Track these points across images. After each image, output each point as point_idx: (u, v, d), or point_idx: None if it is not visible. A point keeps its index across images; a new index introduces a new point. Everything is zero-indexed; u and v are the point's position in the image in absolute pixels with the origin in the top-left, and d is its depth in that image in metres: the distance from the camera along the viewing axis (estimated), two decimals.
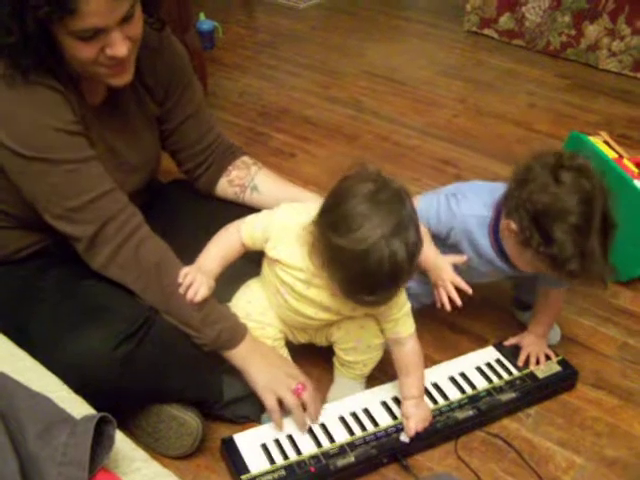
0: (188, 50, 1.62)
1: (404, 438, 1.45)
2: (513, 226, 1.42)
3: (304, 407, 1.45)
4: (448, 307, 1.55)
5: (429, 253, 1.54)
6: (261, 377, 1.43)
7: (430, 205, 1.57)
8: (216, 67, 3.10)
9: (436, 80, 3.13)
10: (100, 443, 0.92)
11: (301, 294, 1.38)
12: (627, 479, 1.48)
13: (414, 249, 1.23)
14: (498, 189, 1.51)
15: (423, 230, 1.51)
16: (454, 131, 2.69)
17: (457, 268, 1.57)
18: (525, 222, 1.39)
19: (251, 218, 1.42)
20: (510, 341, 1.71)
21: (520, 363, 1.66)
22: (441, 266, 1.55)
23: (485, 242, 1.54)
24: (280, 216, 1.39)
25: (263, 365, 1.44)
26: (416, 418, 1.45)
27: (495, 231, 1.52)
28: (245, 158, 1.67)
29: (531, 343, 1.68)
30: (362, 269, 1.21)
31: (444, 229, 1.57)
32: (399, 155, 2.55)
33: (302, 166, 2.44)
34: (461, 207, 1.54)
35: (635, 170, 2.01)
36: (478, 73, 3.22)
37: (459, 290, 1.54)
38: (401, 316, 1.43)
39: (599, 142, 2.09)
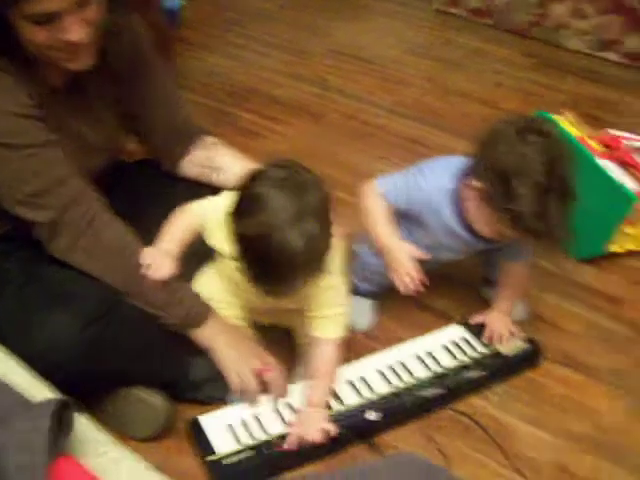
0: (152, 29, 1.59)
1: (371, 416, 1.45)
2: (477, 184, 1.43)
3: (268, 388, 1.45)
4: (407, 292, 1.55)
5: (383, 235, 1.55)
6: (226, 357, 1.43)
7: (398, 186, 1.57)
8: (183, 47, 3.05)
9: (404, 59, 3.12)
10: (61, 428, 0.91)
11: (243, 284, 1.34)
12: (591, 453, 1.50)
13: (314, 241, 1.19)
14: (462, 162, 1.51)
15: (378, 214, 1.56)
16: (422, 110, 2.68)
17: (425, 246, 1.57)
18: (490, 179, 1.40)
19: (198, 203, 1.41)
20: (475, 318, 1.72)
21: (485, 340, 1.67)
22: (396, 254, 1.54)
23: (449, 212, 1.54)
24: (217, 206, 1.34)
25: (230, 344, 1.44)
26: (301, 430, 1.40)
27: (458, 199, 1.52)
28: (210, 139, 1.65)
29: (495, 320, 1.69)
30: (259, 256, 1.19)
31: (416, 206, 1.56)
32: (366, 134, 2.54)
33: (270, 146, 2.42)
34: (428, 181, 1.54)
35: (599, 149, 2.02)
36: (446, 52, 3.21)
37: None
38: (325, 317, 1.41)
39: (564, 121, 2.10)
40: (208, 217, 1.37)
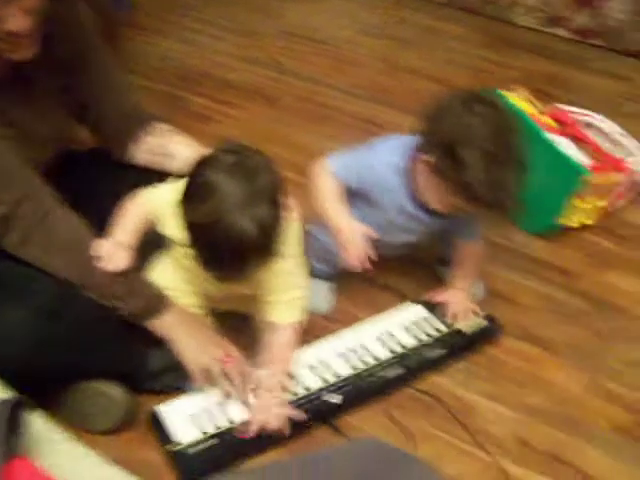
0: (99, 13, 1.56)
1: (333, 399, 1.46)
2: (426, 158, 1.44)
3: (229, 377, 1.45)
4: (358, 269, 1.54)
5: (333, 215, 1.55)
6: (187, 346, 1.42)
7: (348, 164, 1.57)
8: (135, 31, 3.00)
9: (358, 39, 3.11)
10: (14, 429, 0.89)
11: (196, 272, 1.33)
12: (550, 425, 1.53)
13: (266, 226, 1.18)
14: (413, 139, 1.51)
15: (328, 193, 1.55)
16: (376, 90, 2.67)
17: (379, 226, 1.58)
18: (438, 152, 1.40)
19: (148, 191, 1.40)
20: (435, 297, 1.73)
21: (450, 320, 1.68)
22: (346, 233, 1.54)
23: (400, 189, 1.54)
24: (169, 191, 1.32)
25: (189, 334, 1.43)
26: (264, 414, 1.40)
27: (409, 176, 1.53)
28: (160, 125, 1.62)
29: (455, 298, 1.71)
30: (209, 243, 1.18)
31: (367, 185, 1.56)
32: (322, 116, 2.53)
33: (223, 130, 2.40)
34: (379, 159, 1.54)
35: (551, 124, 2.04)
36: (400, 31, 3.21)
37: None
38: (281, 302, 1.40)
39: (516, 97, 2.11)
40: (160, 205, 1.35)
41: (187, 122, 2.30)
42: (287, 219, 1.26)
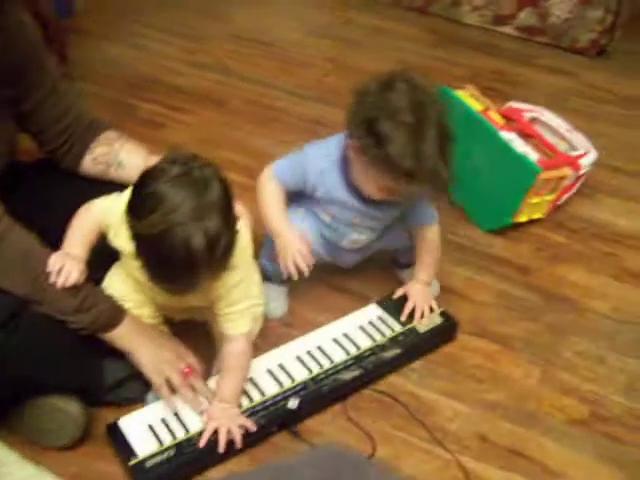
0: (41, 19, 1.53)
1: (292, 405, 1.45)
2: (353, 142, 1.45)
3: (192, 385, 1.43)
4: (295, 277, 1.55)
5: (272, 220, 1.55)
6: (147, 357, 1.40)
7: (289, 165, 1.58)
8: (79, 36, 2.93)
9: (305, 41, 3.10)
10: None
11: (147, 284, 1.31)
12: (508, 420, 1.54)
13: (214, 237, 1.15)
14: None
15: (268, 198, 1.56)
16: (324, 91, 2.67)
17: (329, 227, 1.59)
18: (361, 131, 1.41)
19: (99, 201, 1.37)
20: (397, 293, 1.73)
21: (403, 317, 1.68)
22: (284, 238, 1.54)
23: (338, 182, 1.55)
24: (120, 202, 1.29)
25: (148, 345, 1.41)
26: (217, 424, 1.38)
27: (345, 168, 1.54)
28: (109, 133, 1.60)
29: (417, 294, 1.70)
30: (157, 255, 1.17)
31: (302, 184, 1.57)
32: (270, 118, 2.52)
33: (172, 136, 2.37)
34: (316, 154, 1.55)
35: (500, 121, 2.06)
36: (347, 32, 3.21)
37: None
38: (230, 313, 1.39)
39: (466, 95, 2.13)
40: (111, 216, 1.33)
41: (137, 129, 2.29)
42: (236, 229, 1.24)
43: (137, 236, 1.19)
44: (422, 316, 1.68)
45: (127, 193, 1.28)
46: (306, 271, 1.53)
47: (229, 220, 1.21)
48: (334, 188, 1.55)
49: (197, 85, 2.69)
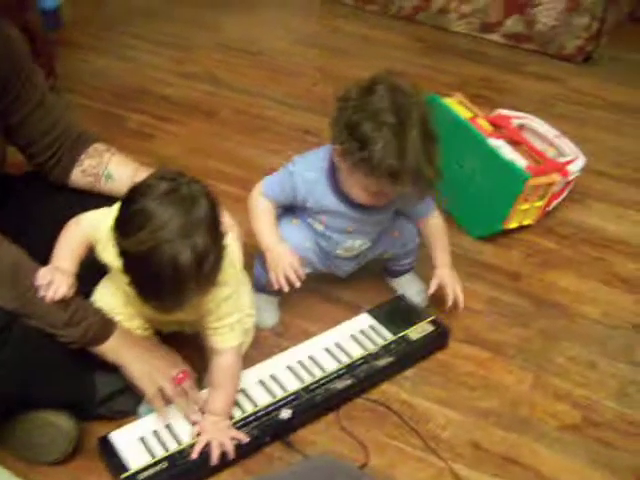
0: (29, 32, 1.53)
1: (284, 415, 1.45)
2: (338, 147, 1.46)
3: (186, 396, 1.43)
4: (286, 289, 1.56)
5: (263, 236, 1.57)
6: (138, 368, 1.39)
7: (278, 180, 1.58)
8: (67, 49, 2.94)
9: (293, 50, 3.11)
10: None
11: (134, 297, 1.30)
12: (501, 427, 1.54)
13: (202, 254, 1.15)
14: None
15: (258, 215, 1.57)
16: (314, 100, 2.67)
17: (323, 236, 1.60)
18: (344, 135, 1.42)
19: (89, 215, 1.37)
20: (431, 288, 1.70)
21: (450, 303, 1.69)
22: (274, 254, 1.55)
23: (327, 190, 1.55)
24: (109, 216, 1.27)
25: (139, 355, 1.40)
26: (209, 437, 1.37)
27: (332, 176, 1.54)
28: (98, 145, 1.59)
29: (449, 279, 1.69)
30: (144, 272, 1.16)
31: (292, 197, 1.58)
32: (260, 128, 2.52)
33: (161, 147, 2.37)
34: (296, 168, 1.56)
35: (489, 128, 2.07)
36: (335, 40, 3.22)
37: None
38: (219, 327, 1.38)
39: (454, 103, 2.14)
40: (99, 231, 1.32)
41: (127, 140, 2.29)
42: (225, 246, 1.24)
43: (125, 253, 1.18)
44: (459, 296, 1.69)
45: (115, 208, 1.27)
46: (297, 284, 1.54)
47: (217, 237, 1.20)
48: (323, 197, 1.56)
49: (186, 95, 2.69)
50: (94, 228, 1.34)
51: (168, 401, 1.42)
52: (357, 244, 1.65)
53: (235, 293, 1.37)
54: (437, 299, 1.81)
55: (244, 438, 1.40)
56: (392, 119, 1.38)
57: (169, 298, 1.20)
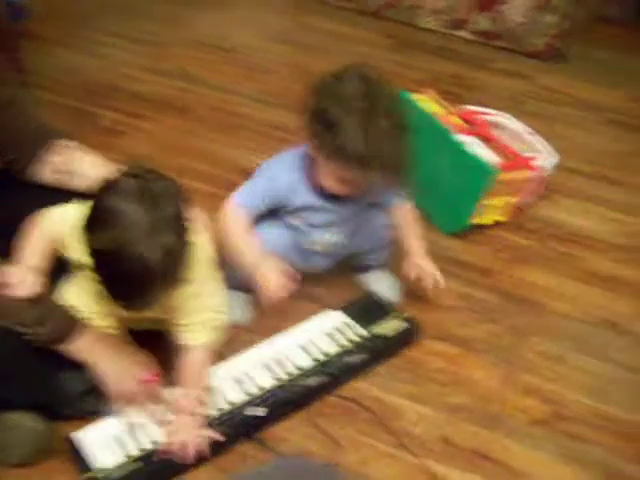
0: None
1: (257, 412, 1.45)
2: (313, 141, 1.46)
3: (155, 396, 1.42)
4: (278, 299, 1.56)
5: (245, 254, 1.55)
6: (105, 369, 1.39)
7: (253, 189, 1.58)
8: (35, 43, 2.89)
9: (267, 46, 3.11)
10: None
11: (101, 295, 1.29)
12: (471, 422, 1.56)
13: (171, 254, 1.16)
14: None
15: (236, 232, 1.54)
16: (284, 96, 2.67)
17: (304, 233, 1.62)
18: (316, 125, 1.43)
19: (52, 211, 1.36)
20: (411, 275, 1.70)
21: (430, 286, 1.70)
22: (261, 269, 1.53)
23: (303, 186, 1.56)
24: (73, 213, 1.28)
25: (107, 356, 1.39)
26: (182, 438, 1.37)
27: (309, 170, 1.55)
28: (66, 142, 1.58)
29: (425, 264, 1.70)
30: (113, 271, 1.16)
31: (277, 202, 1.58)
32: (231, 125, 2.51)
33: (134, 144, 2.35)
34: (275, 172, 1.56)
35: (460, 124, 2.08)
36: (305, 36, 3.22)
37: None
38: (187, 324, 1.39)
39: (425, 99, 2.15)
40: (65, 226, 1.31)
41: (98, 137, 2.27)
42: (194, 243, 1.24)
43: (94, 251, 1.17)
44: (436, 278, 1.70)
45: (81, 205, 1.26)
46: (286, 295, 1.53)
47: (184, 235, 1.20)
48: (304, 195, 1.57)
49: (159, 92, 2.68)
50: (60, 224, 1.33)
51: (136, 401, 1.42)
52: (334, 239, 1.66)
53: (205, 291, 1.37)
54: (409, 295, 1.83)
55: (216, 436, 1.40)
56: (360, 105, 1.39)
57: (137, 296, 1.19)
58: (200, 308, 1.38)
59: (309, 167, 1.55)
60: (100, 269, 1.18)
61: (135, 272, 1.13)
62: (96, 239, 1.16)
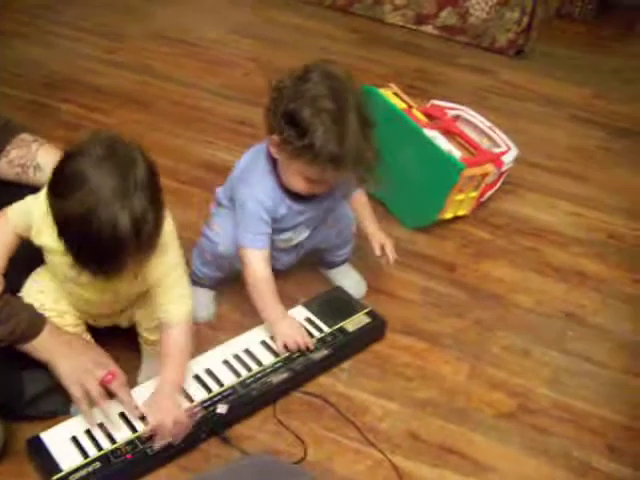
0: None
1: (221, 410, 1.42)
2: (275, 138, 1.45)
3: (114, 395, 1.39)
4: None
5: (267, 310, 1.59)
6: (66, 367, 1.35)
7: (251, 238, 1.56)
8: None
9: (228, 39, 3.07)
10: None
11: (75, 279, 1.29)
12: (438, 417, 1.55)
13: (139, 217, 1.14)
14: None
15: (256, 287, 1.56)
16: (248, 90, 2.64)
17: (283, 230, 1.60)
18: (282, 124, 1.42)
19: (15, 206, 1.34)
20: (376, 250, 1.73)
21: (378, 253, 1.72)
22: (282, 327, 1.57)
23: (280, 194, 1.54)
24: (41, 201, 1.26)
25: (68, 354, 1.36)
26: (157, 416, 1.36)
27: (278, 176, 1.53)
28: (24, 135, 1.54)
29: (382, 235, 1.74)
30: (82, 236, 1.14)
31: (272, 216, 1.56)
32: (194, 119, 2.48)
33: None
34: (259, 196, 1.53)
35: (424, 119, 2.08)
36: (269, 30, 3.19)
37: None
38: (173, 297, 1.38)
39: (389, 94, 2.14)
40: (30, 215, 1.29)
41: (55, 131, 2.22)
42: (164, 210, 1.22)
43: (62, 217, 1.15)
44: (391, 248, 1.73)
45: (43, 192, 1.25)
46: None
47: (155, 200, 1.18)
48: (282, 202, 1.55)
49: (117, 85, 2.63)
50: (25, 214, 1.31)
51: (96, 401, 1.37)
52: (300, 237, 1.65)
53: (181, 263, 1.37)
54: (374, 290, 1.82)
55: (189, 422, 1.38)
56: (330, 105, 1.38)
57: (108, 262, 1.17)
58: (178, 281, 1.38)
59: (275, 169, 1.54)
60: (69, 236, 1.16)
61: (105, 235, 1.11)
62: (62, 203, 1.14)
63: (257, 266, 1.56)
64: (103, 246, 1.13)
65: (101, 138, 1.18)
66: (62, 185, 1.16)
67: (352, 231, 1.77)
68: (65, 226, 1.16)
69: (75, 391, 1.35)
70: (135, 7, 3.27)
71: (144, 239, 1.17)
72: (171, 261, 1.34)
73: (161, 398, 1.38)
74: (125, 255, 1.16)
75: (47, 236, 1.26)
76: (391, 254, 1.73)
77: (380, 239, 1.73)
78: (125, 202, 1.12)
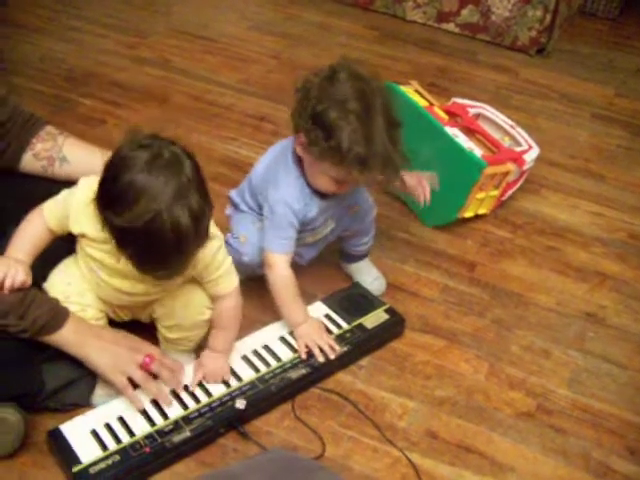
0: None
1: (239, 405, 1.43)
2: (302, 138, 1.45)
3: (157, 377, 1.41)
4: (320, 358, 1.57)
5: (291, 315, 1.59)
6: (104, 360, 1.36)
7: (278, 244, 1.56)
8: (11, 29, 2.86)
9: (248, 36, 3.08)
10: None
11: (112, 268, 1.31)
12: (456, 416, 1.54)
13: (198, 213, 1.18)
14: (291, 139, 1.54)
15: (284, 292, 1.57)
16: (269, 87, 2.65)
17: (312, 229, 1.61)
18: (309, 125, 1.42)
19: (51, 201, 1.35)
20: (413, 187, 1.72)
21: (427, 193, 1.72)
22: (307, 329, 1.57)
23: (309, 195, 1.54)
24: (79, 191, 1.30)
25: (101, 346, 1.37)
26: (207, 370, 1.46)
27: (304, 175, 1.53)
28: (49, 128, 1.55)
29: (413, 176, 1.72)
30: (146, 245, 1.17)
31: (300, 220, 1.55)
32: (214, 115, 2.48)
33: (113, 132, 2.31)
34: (287, 199, 1.53)
35: (445, 117, 2.07)
36: (290, 27, 3.19)
37: None
38: (219, 276, 1.41)
39: (410, 91, 2.13)
40: (68, 205, 1.31)
41: (75, 125, 2.23)
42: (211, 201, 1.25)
43: (120, 229, 1.18)
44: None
45: (82, 184, 1.30)
46: (332, 356, 1.56)
47: (205, 191, 1.22)
48: (312, 203, 1.55)
49: (138, 80, 2.64)
50: (61, 207, 1.33)
51: (145, 385, 1.39)
52: (326, 230, 1.66)
53: (220, 241, 1.39)
54: (394, 287, 1.82)
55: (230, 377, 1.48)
56: (357, 106, 1.38)
57: (174, 261, 1.21)
58: (223, 257, 1.40)
59: (302, 168, 1.53)
60: (130, 245, 1.19)
61: (169, 240, 1.16)
62: (122, 217, 1.16)
63: (282, 270, 1.56)
64: (168, 248, 1.17)
65: (140, 141, 1.20)
66: (117, 200, 1.17)
67: (374, 213, 1.76)
68: (128, 237, 1.19)
69: (120, 381, 1.37)
70: (156, 3, 3.28)
71: (202, 232, 1.22)
72: (218, 243, 1.37)
73: (213, 363, 1.46)
74: (188, 252, 1.21)
75: (86, 225, 1.28)
76: (427, 189, 1.71)
77: (413, 177, 1.71)
78: (183, 201, 1.16)
